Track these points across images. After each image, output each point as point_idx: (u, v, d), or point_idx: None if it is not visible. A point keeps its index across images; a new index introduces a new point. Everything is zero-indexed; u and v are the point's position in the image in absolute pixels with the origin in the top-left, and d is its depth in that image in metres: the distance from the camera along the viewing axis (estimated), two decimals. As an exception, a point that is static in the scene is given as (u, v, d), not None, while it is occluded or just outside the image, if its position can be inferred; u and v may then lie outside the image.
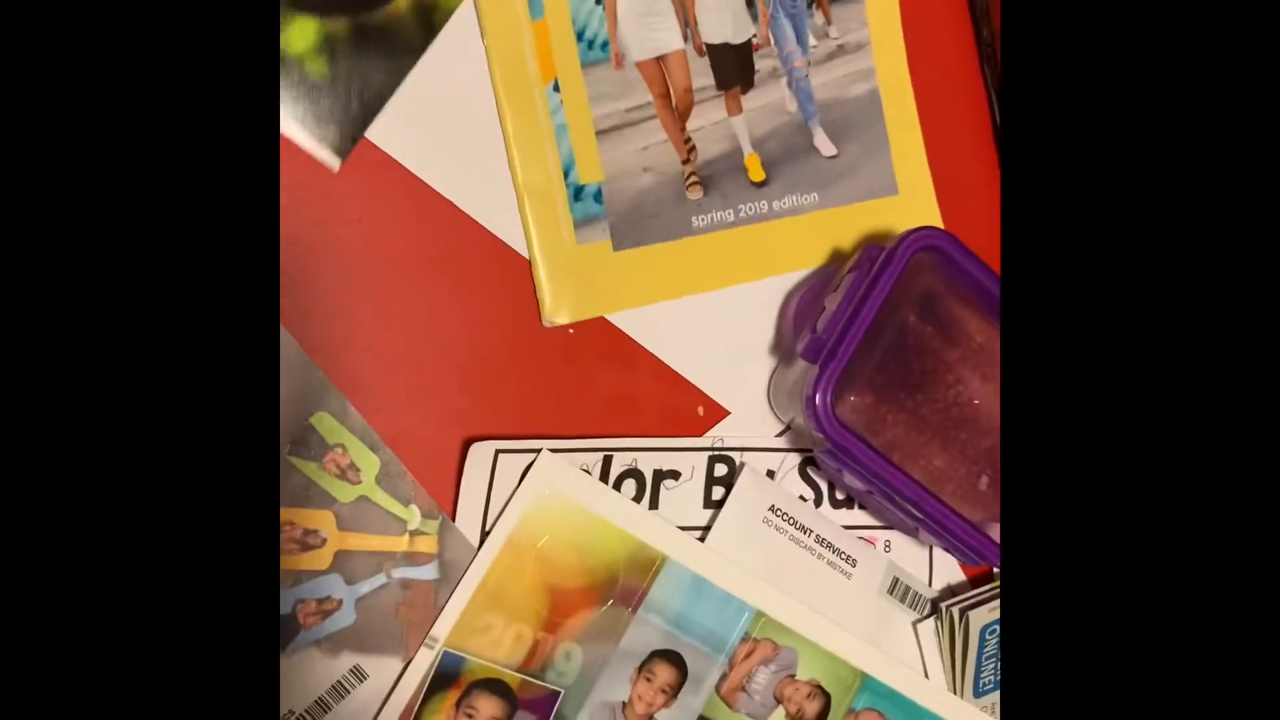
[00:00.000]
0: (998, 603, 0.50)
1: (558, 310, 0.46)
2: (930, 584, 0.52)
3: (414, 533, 0.43)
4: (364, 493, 0.43)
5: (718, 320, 0.49)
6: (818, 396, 0.43)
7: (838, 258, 0.50)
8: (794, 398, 0.46)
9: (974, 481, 0.48)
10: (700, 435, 0.48)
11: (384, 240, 0.45)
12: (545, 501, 0.44)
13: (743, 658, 0.47)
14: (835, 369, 0.44)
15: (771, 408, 0.50)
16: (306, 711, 0.42)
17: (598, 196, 0.46)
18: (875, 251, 0.46)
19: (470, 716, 0.43)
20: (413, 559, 0.43)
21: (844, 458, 0.44)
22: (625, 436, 0.47)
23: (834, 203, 0.50)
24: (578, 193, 0.46)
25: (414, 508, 0.43)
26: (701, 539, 0.47)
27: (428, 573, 0.43)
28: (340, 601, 0.42)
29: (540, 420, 0.46)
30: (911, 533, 0.49)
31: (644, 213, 0.47)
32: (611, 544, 0.45)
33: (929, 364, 0.48)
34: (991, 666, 0.51)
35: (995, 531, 0.47)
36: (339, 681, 0.42)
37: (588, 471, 0.46)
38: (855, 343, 0.44)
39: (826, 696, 0.48)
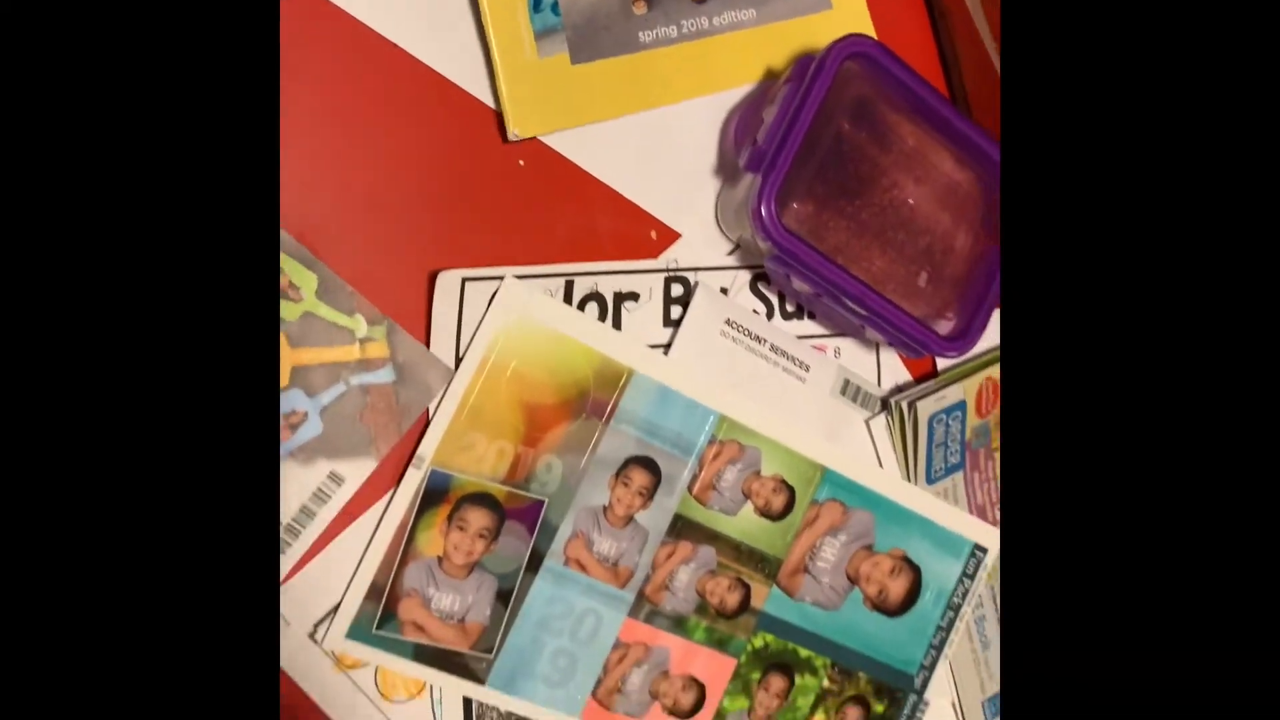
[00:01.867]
0: (944, 393, 0.54)
1: (521, 123, 0.47)
2: (880, 385, 0.55)
3: (363, 340, 0.45)
4: (307, 309, 0.44)
5: (664, 146, 0.51)
6: (762, 204, 0.46)
7: (774, 74, 0.52)
8: (741, 214, 0.49)
9: (914, 279, 0.51)
10: (655, 258, 0.50)
11: (332, 87, 0.46)
12: (514, 325, 0.46)
13: (711, 458, 0.50)
14: (777, 177, 0.46)
15: (720, 228, 0.52)
16: (294, 521, 0.44)
17: (555, 8, 0.47)
18: (807, 62, 0.48)
19: (462, 529, 0.46)
20: (367, 365, 0.45)
21: (791, 262, 0.47)
22: (584, 263, 0.49)
23: (770, 19, 0.52)
24: (536, 3, 0.47)
25: (358, 316, 0.45)
26: (665, 355, 0.50)
27: (384, 376, 0.45)
28: (305, 414, 0.44)
29: (503, 254, 0.48)
30: (858, 332, 0.52)
31: (597, 25, 0.48)
32: (579, 361, 0.47)
33: (865, 169, 0.50)
34: (941, 454, 0.55)
35: (938, 325, 0.51)
36: (319, 489, 0.44)
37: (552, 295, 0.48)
38: (793, 151, 0.46)
39: (790, 490, 0.52)
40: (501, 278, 0.47)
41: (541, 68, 0.47)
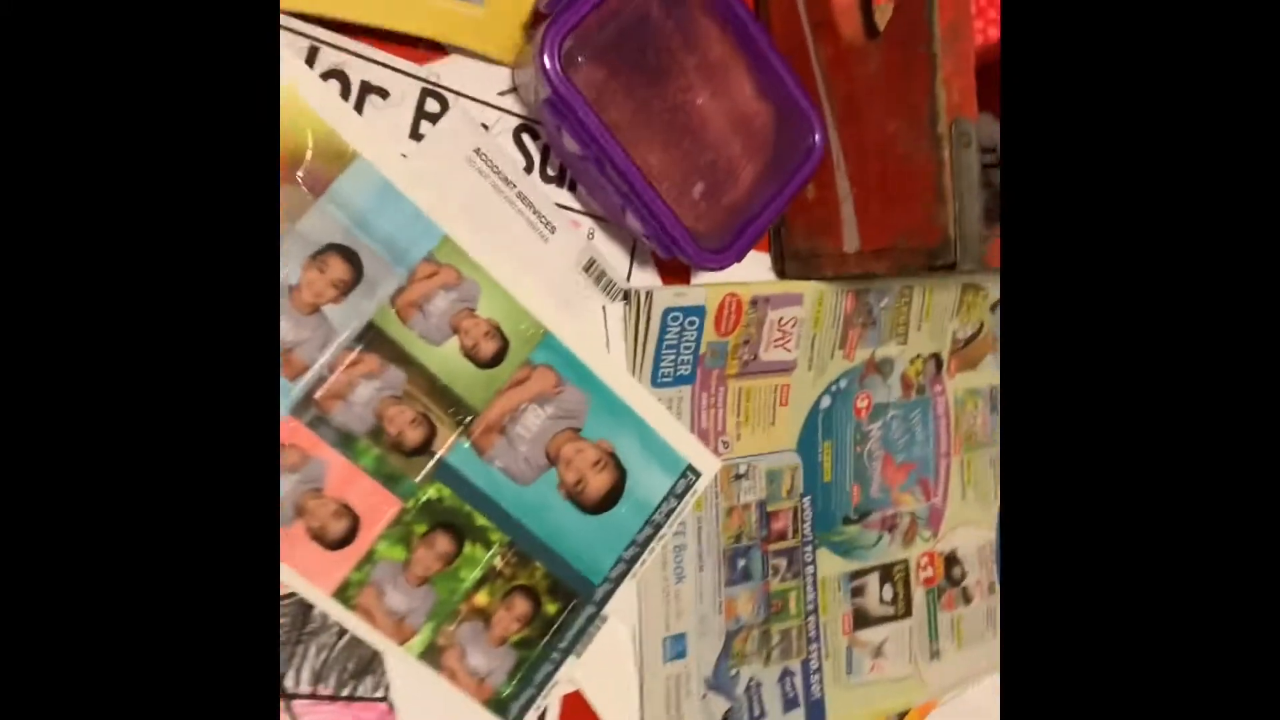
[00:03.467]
0: (684, 290, 0.52)
1: None
2: (628, 280, 0.53)
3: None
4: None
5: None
6: (547, 41, 0.44)
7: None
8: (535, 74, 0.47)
9: (689, 187, 0.50)
10: (418, 64, 0.48)
11: None
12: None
13: (423, 276, 0.47)
14: (570, 19, 0.45)
15: (514, 83, 0.50)
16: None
17: None
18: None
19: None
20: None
21: (565, 112, 0.45)
22: (339, 36, 0.46)
23: None
24: None
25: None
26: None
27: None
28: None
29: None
30: (618, 215, 0.50)
31: None
32: (301, 120, 0.44)
33: (664, 60, 0.49)
34: (672, 358, 0.53)
35: (705, 242, 0.49)
36: None
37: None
38: (593, 2, 0.45)
39: (504, 340, 0.49)
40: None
41: None
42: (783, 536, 0.59)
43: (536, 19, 0.49)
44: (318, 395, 0.44)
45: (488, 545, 0.48)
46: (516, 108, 0.50)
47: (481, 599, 0.48)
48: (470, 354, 0.47)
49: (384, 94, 0.47)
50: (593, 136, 0.45)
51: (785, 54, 0.52)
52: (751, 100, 0.52)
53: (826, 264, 0.56)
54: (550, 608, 0.50)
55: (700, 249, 0.48)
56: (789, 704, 0.60)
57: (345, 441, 0.45)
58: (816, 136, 0.52)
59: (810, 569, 0.61)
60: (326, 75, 0.45)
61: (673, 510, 0.52)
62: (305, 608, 0.44)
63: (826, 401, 0.61)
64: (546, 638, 0.50)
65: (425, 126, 0.47)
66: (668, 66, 0.49)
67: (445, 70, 0.48)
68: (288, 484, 0.44)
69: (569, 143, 0.47)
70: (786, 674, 0.60)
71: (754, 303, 0.55)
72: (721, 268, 0.49)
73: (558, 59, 0.44)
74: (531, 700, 0.49)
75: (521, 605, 0.49)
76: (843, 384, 0.61)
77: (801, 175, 0.51)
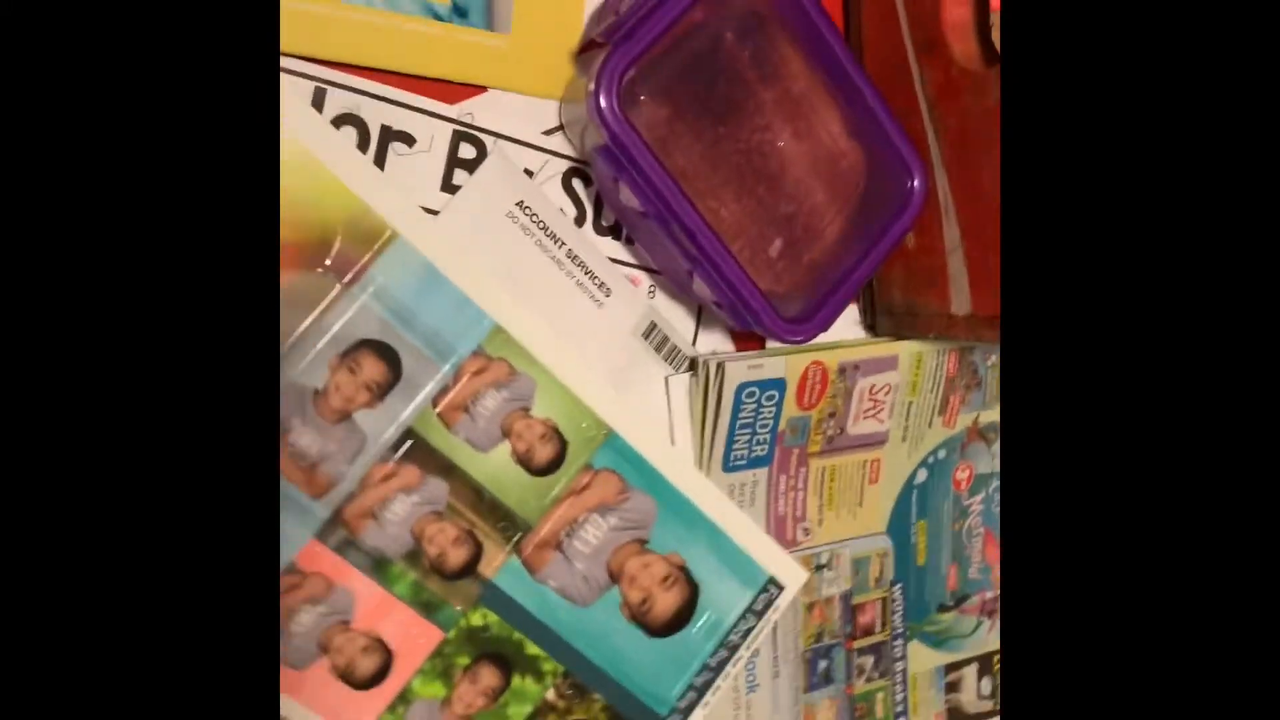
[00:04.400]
0: (762, 362, 0.45)
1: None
2: (694, 345, 0.46)
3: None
4: None
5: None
6: (604, 77, 0.37)
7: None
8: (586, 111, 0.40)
9: (765, 244, 0.43)
10: (448, 104, 0.41)
11: None
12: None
13: (471, 373, 0.40)
14: (630, 50, 0.38)
15: (561, 121, 0.43)
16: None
17: None
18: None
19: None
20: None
21: (622, 160, 0.38)
22: (349, 74, 0.39)
23: None
24: None
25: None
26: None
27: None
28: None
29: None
30: (684, 282, 0.43)
31: None
32: (330, 198, 0.37)
33: (738, 94, 0.42)
34: (746, 438, 0.46)
35: (782, 306, 0.42)
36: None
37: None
38: (659, 28, 0.38)
39: (562, 442, 0.42)
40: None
41: None
42: (870, 631, 0.53)
43: (587, 45, 0.42)
44: (346, 514, 0.38)
45: (540, 677, 0.42)
46: (565, 148, 0.43)
47: (532, 738, 0.42)
48: (523, 460, 0.41)
49: (409, 140, 0.40)
50: (656, 191, 0.38)
51: (883, 81, 0.44)
52: (839, 139, 0.44)
53: (928, 325, 0.48)
54: (610, 744, 0.43)
55: (780, 320, 0.41)
56: (873, 820, 0.53)
57: (378, 566, 0.39)
58: (915, 181, 0.44)
59: (900, 665, 0.54)
60: (339, 121, 0.38)
61: (751, 630, 0.45)
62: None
63: (922, 475, 0.54)
64: (606, 779, 0.43)
65: (460, 175, 0.40)
66: (742, 102, 0.42)
67: (480, 108, 0.41)
68: (311, 616, 0.38)
69: (627, 196, 0.40)
70: (871, 787, 0.53)
71: (842, 370, 0.48)
72: (805, 341, 0.42)
73: (616, 98, 0.37)
74: None
75: (578, 743, 0.43)
76: (941, 454, 0.54)
77: (897, 228, 0.44)
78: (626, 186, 0.39)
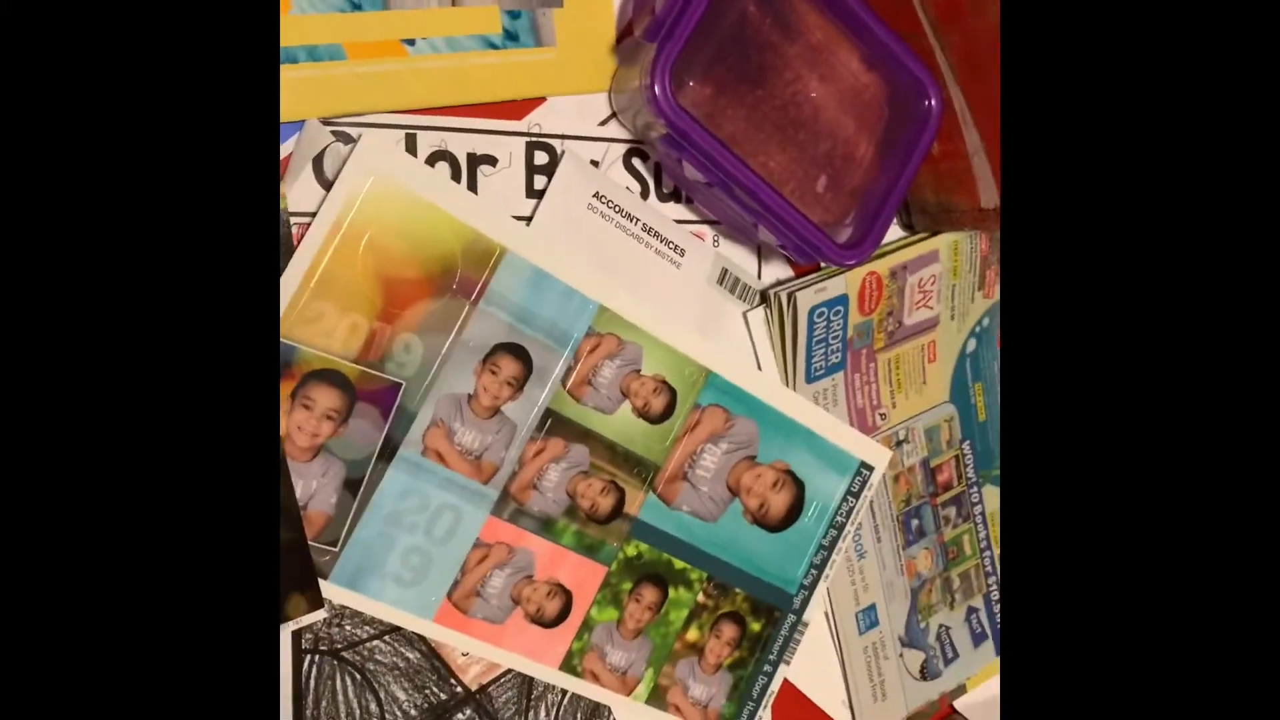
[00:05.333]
0: (825, 284, 0.51)
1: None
2: (759, 278, 0.53)
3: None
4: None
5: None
6: (657, 76, 0.42)
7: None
8: (637, 96, 0.45)
9: (812, 182, 0.49)
10: (517, 120, 0.46)
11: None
12: (373, 186, 0.42)
13: (587, 352, 0.47)
14: (673, 48, 0.43)
15: (613, 110, 0.48)
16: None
17: None
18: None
19: (307, 407, 0.42)
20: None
21: (685, 145, 0.44)
22: (432, 115, 0.44)
23: None
24: None
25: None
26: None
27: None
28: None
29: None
30: (749, 231, 0.49)
31: None
32: (446, 233, 0.43)
33: (767, 58, 0.47)
34: (821, 352, 0.53)
35: (836, 234, 0.48)
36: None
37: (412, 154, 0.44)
38: (693, 22, 0.43)
39: (672, 391, 0.49)
40: (357, 131, 0.42)
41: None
42: (949, 486, 0.60)
43: (625, 34, 0.47)
44: (512, 490, 0.45)
45: (690, 585, 0.50)
46: (621, 133, 0.49)
47: (692, 634, 0.50)
48: (643, 413, 0.48)
49: (492, 161, 0.45)
50: (716, 163, 0.44)
51: (887, 13, 0.49)
52: (859, 74, 0.50)
53: (961, 219, 0.54)
54: (755, 626, 0.52)
55: (838, 249, 0.47)
56: (978, 639, 0.62)
57: (546, 526, 0.46)
58: (932, 100, 0.49)
59: (979, 509, 0.62)
60: (432, 159, 0.44)
61: (852, 509, 0.53)
62: (528, 678, 0.47)
63: (972, 345, 0.60)
64: (756, 654, 0.52)
65: (539, 180, 0.46)
66: (772, 63, 0.47)
67: (544, 117, 0.47)
68: (501, 579, 0.45)
69: (690, 171, 0.46)
70: (971, 612, 0.62)
71: (893, 274, 0.55)
72: (860, 263, 0.48)
73: (669, 92, 0.43)
74: (753, 714, 0.52)
75: (729, 631, 0.51)
76: (985, 322, 0.61)
77: (923, 144, 0.50)
78: (689, 164, 0.45)
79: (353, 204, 0.41)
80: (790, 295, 0.50)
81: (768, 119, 0.47)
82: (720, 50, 0.45)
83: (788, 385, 0.52)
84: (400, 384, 0.43)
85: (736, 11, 0.46)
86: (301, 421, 0.41)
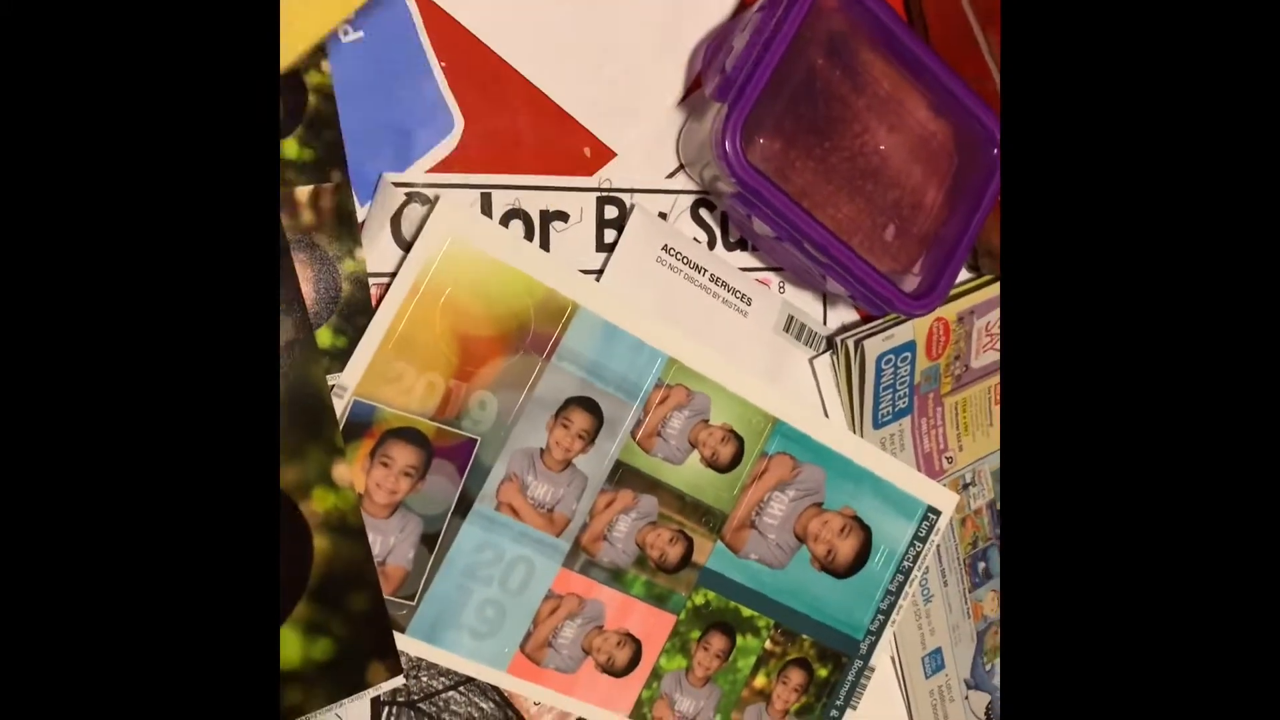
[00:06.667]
0: (892, 332, 0.51)
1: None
2: (825, 324, 0.53)
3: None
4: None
5: (604, 55, 0.47)
6: (728, 137, 0.43)
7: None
8: (705, 149, 0.46)
9: (880, 232, 0.49)
10: (588, 176, 0.47)
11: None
12: (450, 247, 0.43)
13: (657, 403, 0.47)
14: (744, 107, 0.43)
15: (680, 159, 0.49)
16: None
17: None
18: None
19: (386, 465, 0.43)
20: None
21: (755, 203, 0.44)
22: (504, 174, 0.45)
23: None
24: None
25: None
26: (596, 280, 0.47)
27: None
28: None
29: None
30: (816, 280, 0.49)
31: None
32: (520, 291, 0.44)
33: (836, 110, 0.47)
34: (889, 397, 0.53)
35: (904, 282, 0.48)
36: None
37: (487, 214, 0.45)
38: (764, 80, 0.43)
39: (739, 440, 0.49)
40: (434, 192, 0.43)
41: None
42: (1012, 526, 0.60)
43: (692, 87, 0.48)
44: (583, 541, 0.46)
45: (757, 632, 0.50)
46: (688, 184, 0.49)
47: (760, 681, 0.50)
48: (711, 463, 0.48)
49: (564, 217, 0.46)
50: (787, 220, 0.44)
51: (952, 57, 0.49)
52: (927, 122, 0.50)
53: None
54: (822, 672, 0.52)
55: (907, 299, 0.47)
56: (1040, 682, 0.61)
57: (615, 576, 0.47)
58: (998, 149, 0.49)
59: (1042, 549, 0.61)
60: (506, 218, 0.45)
61: (919, 554, 0.53)
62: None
63: (1036, 383, 0.60)
64: (823, 700, 0.52)
65: (609, 234, 0.47)
66: (840, 115, 0.47)
67: (614, 171, 0.47)
68: (572, 629, 0.46)
69: (760, 226, 0.46)
70: (1034, 655, 0.61)
71: (960, 319, 0.54)
72: (930, 311, 0.48)
73: (741, 153, 0.43)
74: (820, 759, 0.52)
75: (796, 677, 0.51)
76: (1049, 361, 0.60)
77: (991, 189, 0.50)
78: (759, 220, 0.45)
79: (431, 266, 0.42)
80: (858, 343, 0.51)
81: (836, 171, 0.47)
82: (789, 104, 0.46)
83: (854, 431, 0.52)
84: (475, 440, 0.44)
85: (805, 65, 0.46)
86: (380, 479, 0.42)
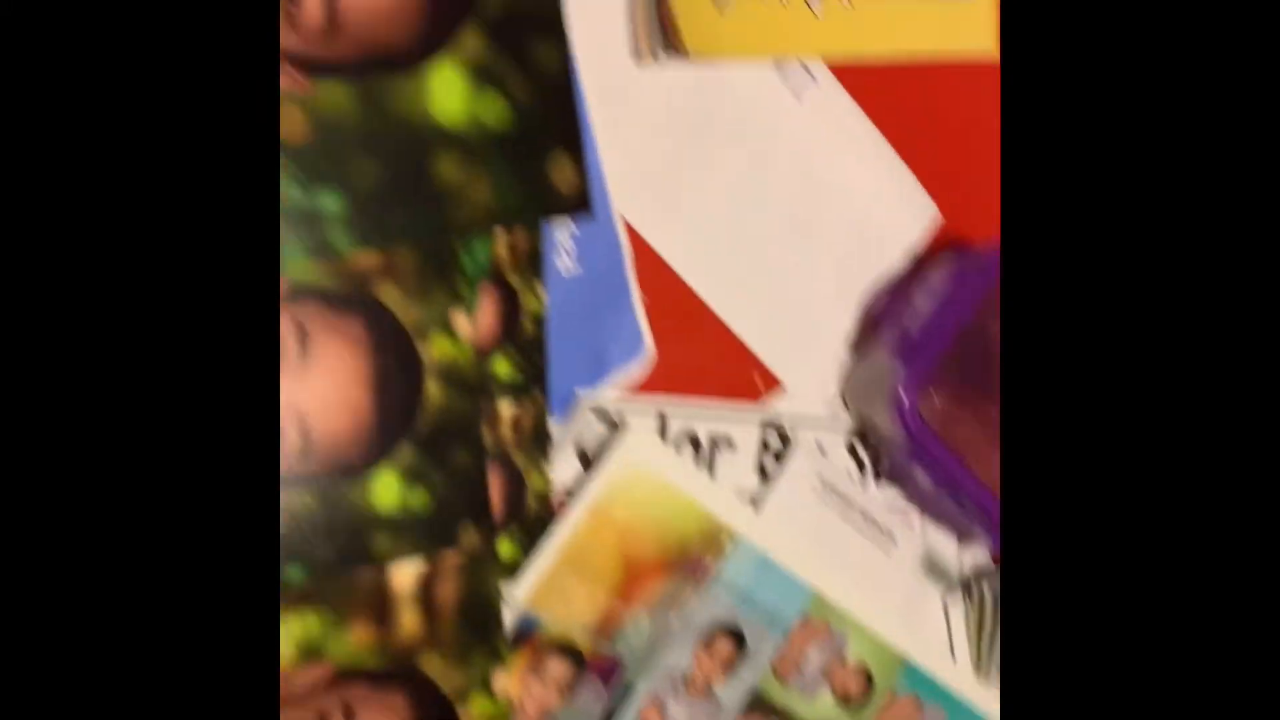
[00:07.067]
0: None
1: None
2: (960, 564, 0.54)
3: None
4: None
5: (783, 288, 0.49)
6: (905, 394, 0.44)
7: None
8: (871, 393, 0.47)
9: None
10: (755, 401, 0.49)
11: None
12: (630, 471, 0.44)
13: (800, 637, 0.48)
14: (924, 368, 0.45)
15: (844, 400, 0.50)
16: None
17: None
18: (967, 257, 0.47)
19: (541, 678, 0.43)
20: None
21: (924, 459, 0.45)
22: (678, 395, 0.47)
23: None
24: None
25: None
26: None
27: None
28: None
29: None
30: (965, 529, 0.50)
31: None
32: (687, 517, 0.45)
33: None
34: (1022, 657, 0.53)
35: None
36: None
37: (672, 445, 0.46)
38: (945, 345, 0.45)
39: (870, 678, 0.50)
40: (620, 413, 0.45)
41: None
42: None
43: (865, 330, 0.49)
44: (711, 770, 0.46)
45: None
46: (846, 418, 0.50)
47: None
48: (842, 698, 0.48)
49: (731, 444, 0.47)
50: (954, 480, 0.45)
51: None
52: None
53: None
54: None
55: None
56: None
57: (740, 804, 0.47)
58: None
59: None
60: (679, 441, 0.46)
61: (1028, 807, 0.53)
62: None
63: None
64: None
65: (769, 462, 0.48)
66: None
67: (779, 401, 0.49)
68: None
69: (922, 478, 0.47)
70: None
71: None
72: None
73: (919, 416, 0.44)
74: None
75: None
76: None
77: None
78: (922, 473, 0.46)
79: (611, 488, 0.44)
80: (990, 587, 0.51)
81: (992, 424, 0.48)
82: (960, 363, 0.47)
83: (981, 675, 0.52)
84: (626, 660, 0.44)
85: (979, 327, 0.47)
86: (535, 692, 0.43)
